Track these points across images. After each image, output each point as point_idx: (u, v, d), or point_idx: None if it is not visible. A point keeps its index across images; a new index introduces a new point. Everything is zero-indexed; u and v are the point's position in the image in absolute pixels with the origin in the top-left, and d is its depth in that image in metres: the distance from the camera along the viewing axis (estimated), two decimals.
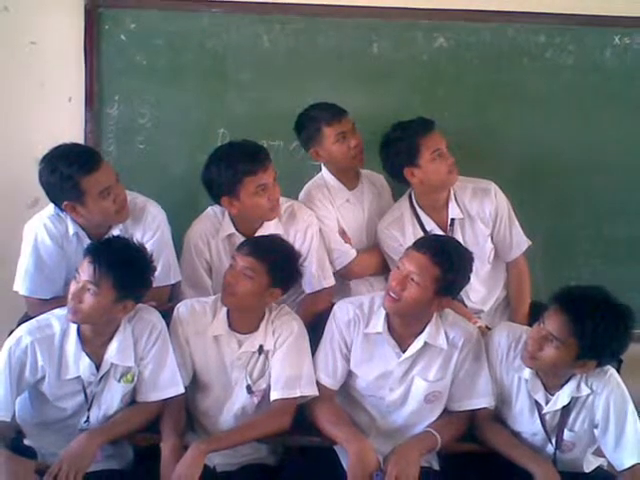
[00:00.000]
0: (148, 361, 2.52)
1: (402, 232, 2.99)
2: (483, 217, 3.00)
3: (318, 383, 2.60)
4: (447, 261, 2.45)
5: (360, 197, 3.11)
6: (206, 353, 2.61)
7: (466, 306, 2.99)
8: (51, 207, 2.71)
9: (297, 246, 2.78)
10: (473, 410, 2.60)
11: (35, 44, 3.20)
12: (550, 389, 2.50)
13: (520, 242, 3.06)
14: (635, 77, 3.32)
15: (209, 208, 2.93)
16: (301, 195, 3.09)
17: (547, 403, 2.50)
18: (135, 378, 2.53)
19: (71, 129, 3.17)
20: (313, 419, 2.58)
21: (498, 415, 2.62)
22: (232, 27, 3.21)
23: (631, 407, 2.47)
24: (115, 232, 2.69)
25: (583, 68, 3.30)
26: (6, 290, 2.80)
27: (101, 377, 2.48)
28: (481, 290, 3.06)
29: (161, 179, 3.25)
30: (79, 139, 3.13)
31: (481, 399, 2.58)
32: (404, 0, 3.20)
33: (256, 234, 2.81)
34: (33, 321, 2.48)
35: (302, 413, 2.60)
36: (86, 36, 3.16)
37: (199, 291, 2.83)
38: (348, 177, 3.08)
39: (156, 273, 2.52)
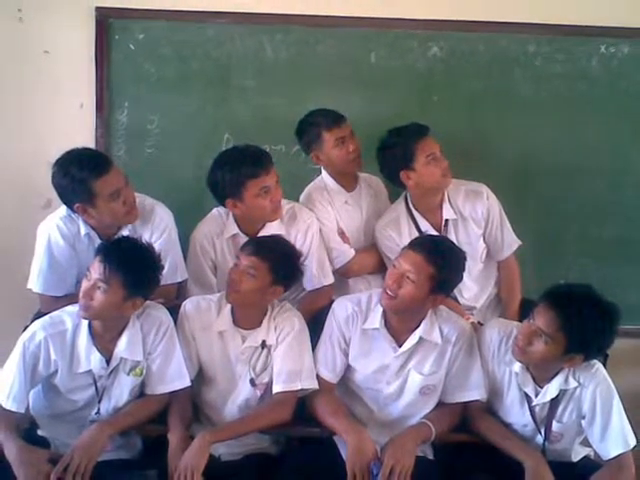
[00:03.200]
0: (156, 355, 2.52)
1: (398, 232, 2.98)
2: (475, 218, 2.99)
3: (318, 377, 2.60)
4: (441, 260, 2.45)
5: (358, 199, 3.11)
6: (211, 348, 2.60)
7: (459, 303, 2.98)
8: (63, 208, 2.71)
9: (298, 246, 2.78)
10: (466, 402, 2.60)
11: (48, 53, 3.20)
12: (539, 382, 2.50)
13: (511, 242, 3.05)
14: (620, 84, 3.31)
15: (214, 209, 2.92)
16: (302, 197, 3.09)
17: (536, 395, 2.50)
18: (143, 372, 2.52)
19: (82, 134, 3.17)
20: (313, 411, 2.58)
21: (490, 407, 2.61)
22: (236, 37, 3.21)
23: (616, 399, 2.47)
24: (124, 232, 2.69)
25: (571, 76, 3.30)
26: (21, 288, 2.79)
27: (111, 371, 2.48)
28: (474, 288, 3.06)
29: (168, 182, 3.25)
30: (90, 144, 3.12)
31: (474, 392, 2.58)
32: (400, 11, 3.20)
33: (259, 234, 2.80)
34: (46, 317, 2.48)
35: (303, 405, 2.60)
36: (97, 45, 3.16)
37: (204, 289, 2.82)
38: (347, 180, 3.08)
39: (164, 272, 2.52)
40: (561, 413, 2.51)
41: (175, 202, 2.93)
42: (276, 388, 2.56)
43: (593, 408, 2.46)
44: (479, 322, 2.93)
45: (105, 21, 3.15)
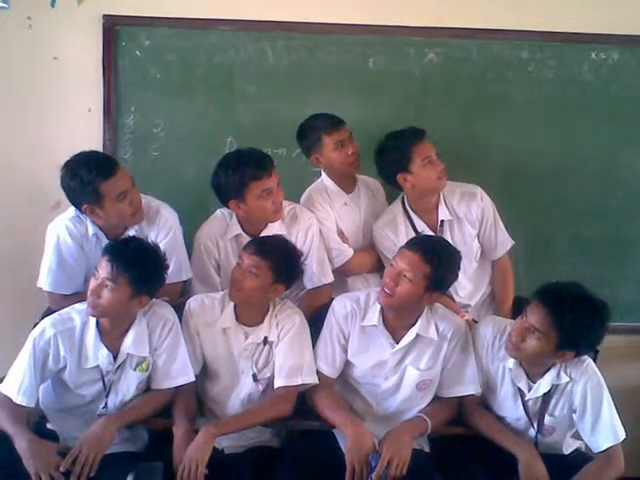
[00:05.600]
0: (161, 352, 2.53)
1: (395, 232, 2.98)
2: (470, 219, 2.99)
3: (318, 372, 2.60)
4: (437, 259, 2.45)
5: (357, 200, 3.10)
6: (215, 344, 2.61)
7: (454, 301, 2.98)
8: (72, 209, 2.71)
9: (299, 246, 2.78)
10: (461, 397, 2.60)
11: (57, 59, 3.19)
12: (532, 377, 2.51)
13: (504, 242, 3.05)
14: (610, 89, 3.31)
15: (218, 211, 2.92)
16: (302, 198, 3.09)
17: (529, 390, 2.50)
18: (149, 367, 2.53)
19: (90, 137, 3.16)
20: (313, 405, 2.58)
21: (484, 401, 2.62)
22: (239, 43, 3.21)
23: (606, 394, 2.47)
24: (131, 233, 2.69)
25: (562, 81, 3.30)
26: (31, 286, 2.79)
27: (118, 366, 2.48)
28: (468, 286, 3.05)
29: (173, 184, 3.24)
30: (98, 147, 3.12)
31: (468, 386, 2.58)
32: (397, 19, 3.20)
33: (261, 234, 2.80)
34: (55, 315, 2.49)
35: (303, 399, 2.60)
36: (104, 52, 3.16)
37: (208, 287, 2.82)
38: (346, 182, 3.08)
39: (169, 271, 2.53)
40: (553, 407, 2.51)
41: (180, 203, 2.93)
42: (278, 383, 2.56)
43: (584, 402, 2.47)
44: (474, 319, 2.93)
45: (112, 28, 3.15)
